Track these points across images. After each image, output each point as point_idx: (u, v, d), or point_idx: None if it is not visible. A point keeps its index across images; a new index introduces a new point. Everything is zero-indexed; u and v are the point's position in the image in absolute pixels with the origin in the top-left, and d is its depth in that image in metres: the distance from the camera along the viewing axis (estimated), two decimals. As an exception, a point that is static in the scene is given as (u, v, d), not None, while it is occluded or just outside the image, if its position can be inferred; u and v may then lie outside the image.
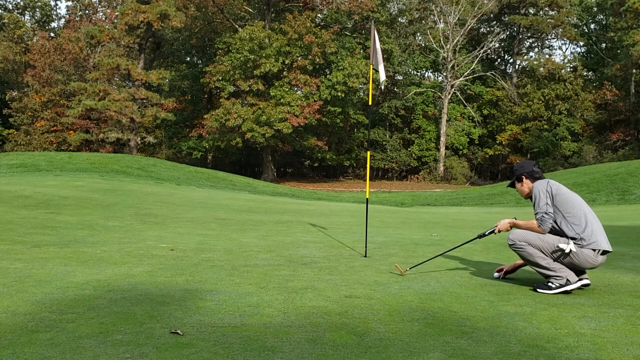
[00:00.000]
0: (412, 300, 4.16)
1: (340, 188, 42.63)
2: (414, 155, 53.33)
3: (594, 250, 4.47)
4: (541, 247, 4.54)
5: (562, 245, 4.46)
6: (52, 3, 69.53)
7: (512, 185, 4.96)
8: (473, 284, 4.79)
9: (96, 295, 4.09)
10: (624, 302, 4.25)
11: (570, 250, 4.44)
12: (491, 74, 53.30)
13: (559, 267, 4.52)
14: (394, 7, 54.89)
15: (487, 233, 4.98)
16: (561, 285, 4.49)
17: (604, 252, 4.53)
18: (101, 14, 52.75)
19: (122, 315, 3.61)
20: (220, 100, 44.34)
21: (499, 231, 4.89)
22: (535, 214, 4.60)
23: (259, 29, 41.90)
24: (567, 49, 75.52)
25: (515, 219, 4.87)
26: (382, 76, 6.43)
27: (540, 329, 3.51)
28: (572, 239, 4.49)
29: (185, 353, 2.94)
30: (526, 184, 4.83)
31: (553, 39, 57.64)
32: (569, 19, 53.34)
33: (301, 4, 46.41)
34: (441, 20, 53.06)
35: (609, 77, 49.95)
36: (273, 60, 41.59)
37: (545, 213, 4.51)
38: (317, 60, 43.50)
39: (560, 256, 4.51)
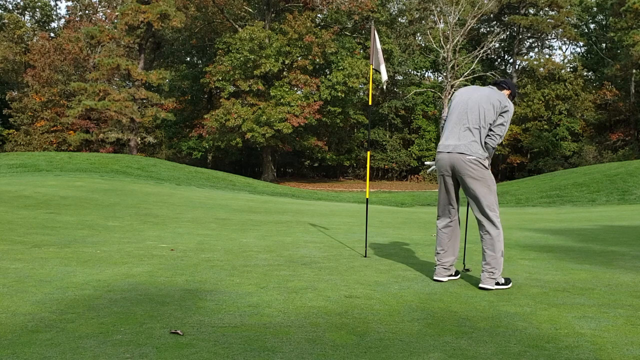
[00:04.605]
0: (412, 300, 4.16)
1: (340, 188, 42.60)
2: (414, 155, 53.30)
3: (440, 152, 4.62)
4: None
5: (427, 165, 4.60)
6: (52, 3, 69.54)
7: None
8: (473, 284, 4.79)
9: (96, 295, 4.09)
10: (624, 302, 4.24)
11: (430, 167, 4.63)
12: (491, 74, 53.27)
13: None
14: (394, 7, 54.88)
15: None
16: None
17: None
18: (101, 14, 52.73)
19: (122, 315, 3.61)
20: (220, 100, 44.31)
21: None
22: None
23: (259, 29, 41.88)
24: (567, 49, 75.41)
25: None
26: (384, 76, 6.42)
27: (540, 329, 3.51)
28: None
29: (185, 353, 2.94)
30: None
31: (553, 39, 57.60)
32: (569, 19, 53.31)
33: (301, 4, 46.39)
34: (441, 21, 53.02)
35: (609, 77, 49.93)
36: (273, 60, 41.57)
37: (443, 119, 4.61)
38: (317, 60, 43.48)
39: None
